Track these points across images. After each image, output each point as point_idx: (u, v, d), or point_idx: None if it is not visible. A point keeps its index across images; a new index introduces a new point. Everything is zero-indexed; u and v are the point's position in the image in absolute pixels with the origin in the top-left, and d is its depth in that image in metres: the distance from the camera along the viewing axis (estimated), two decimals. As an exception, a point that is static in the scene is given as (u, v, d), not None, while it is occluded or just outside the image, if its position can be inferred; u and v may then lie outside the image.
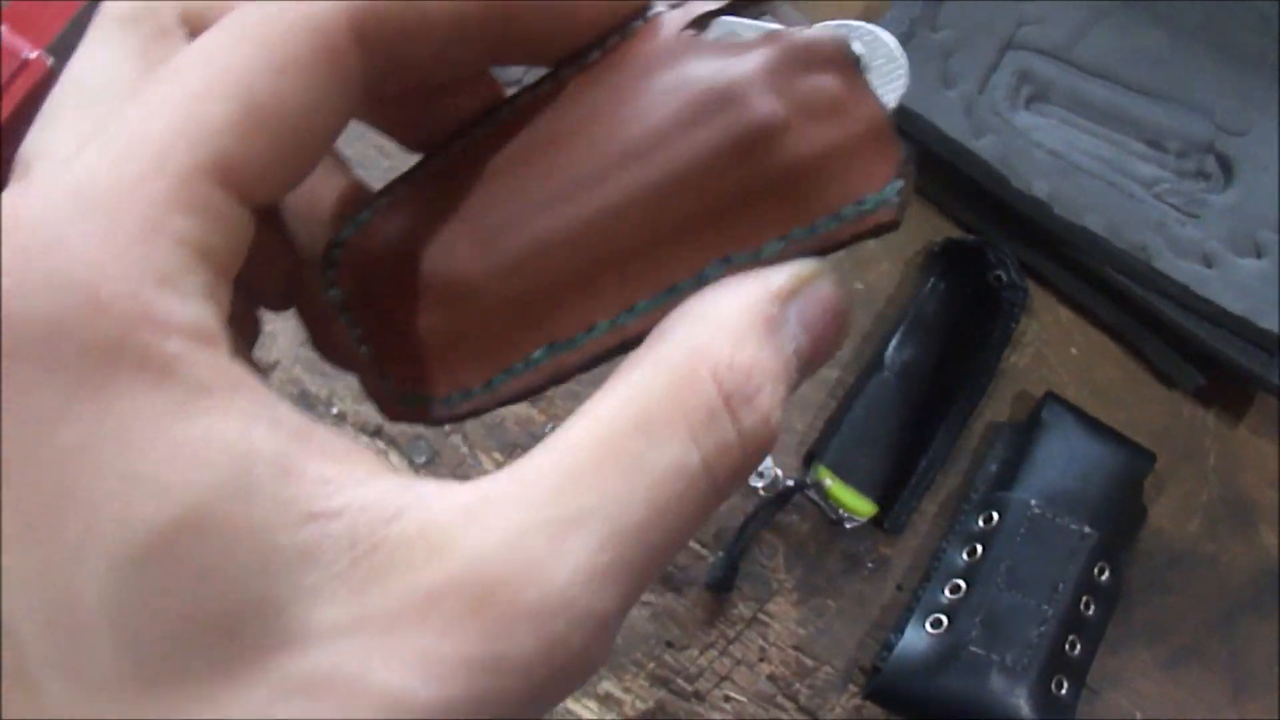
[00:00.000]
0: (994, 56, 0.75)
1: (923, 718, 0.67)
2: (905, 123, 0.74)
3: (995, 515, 0.69)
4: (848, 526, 0.71)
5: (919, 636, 0.67)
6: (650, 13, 0.31)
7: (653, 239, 0.30)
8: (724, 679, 0.70)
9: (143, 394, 0.23)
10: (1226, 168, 0.74)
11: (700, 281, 0.30)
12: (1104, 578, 0.68)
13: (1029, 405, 0.75)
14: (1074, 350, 0.77)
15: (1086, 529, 0.68)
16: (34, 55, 0.62)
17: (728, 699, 0.70)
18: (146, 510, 0.23)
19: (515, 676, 0.24)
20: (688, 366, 0.27)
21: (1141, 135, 0.74)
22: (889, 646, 0.68)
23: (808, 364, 0.28)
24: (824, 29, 0.30)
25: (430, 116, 0.33)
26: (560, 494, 0.25)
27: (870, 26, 0.30)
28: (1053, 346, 0.77)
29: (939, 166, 0.75)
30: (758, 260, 0.29)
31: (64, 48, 0.64)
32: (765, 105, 0.29)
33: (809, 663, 0.70)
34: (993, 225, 0.76)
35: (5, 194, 0.26)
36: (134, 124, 0.25)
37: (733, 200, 0.29)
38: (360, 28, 0.27)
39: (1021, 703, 0.65)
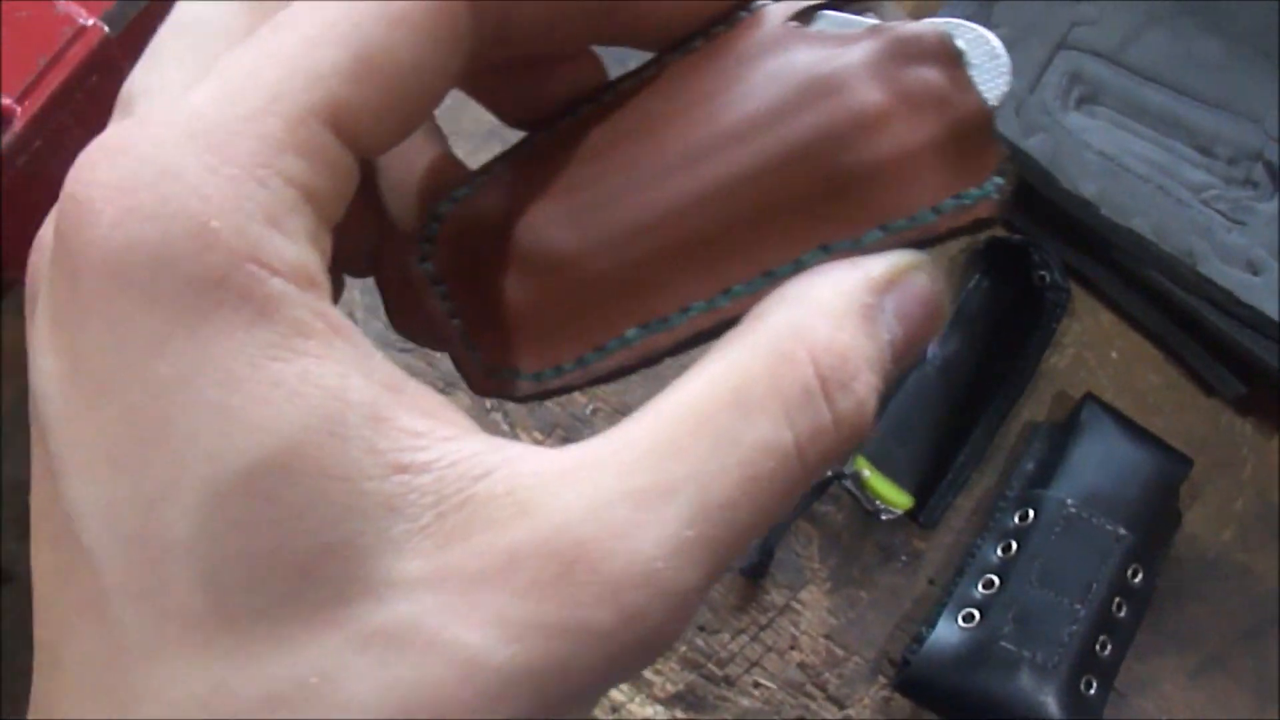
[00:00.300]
0: (1046, 56, 0.75)
1: (951, 712, 0.68)
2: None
3: (1031, 513, 0.69)
4: (883, 518, 0.71)
5: (950, 630, 0.67)
6: (755, 4, 0.31)
7: (753, 222, 0.30)
8: (754, 665, 0.70)
9: (243, 330, 0.23)
10: (1274, 176, 0.74)
11: (798, 267, 0.29)
12: (1137, 580, 0.68)
13: (1068, 406, 0.75)
14: (1114, 354, 0.77)
15: (1122, 530, 0.68)
16: (90, 23, 0.62)
17: (757, 685, 0.70)
18: (239, 446, 0.23)
19: (592, 645, 0.24)
20: (785, 347, 0.27)
21: (1192, 141, 0.74)
22: (919, 639, 0.68)
23: (900, 356, 0.28)
24: (927, 22, 0.30)
25: (530, 92, 0.32)
26: (651, 463, 0.25)
27: (973, 25, 0.30)
28: (1093, 349, 0.77)
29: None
30: (857, 249, 0.29)
31: (120, 16, 0.64)
32: (869, 94, 0.29)
33: (839, 652, 0.71)
34: (1038, 225, 0.76)
35: (112, 126, 0.26)
36: (247, 65, 0.25)
37: (834, 188, 0.29)
38: None
39: (1050, 700, 0.65)
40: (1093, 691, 0.66)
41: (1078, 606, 0.67)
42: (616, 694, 0.68)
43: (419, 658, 0.23)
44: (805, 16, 0.31)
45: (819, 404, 0.26)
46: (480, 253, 0.32)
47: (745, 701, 0.69)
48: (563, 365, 0.32)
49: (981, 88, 0.29)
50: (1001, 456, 0.75)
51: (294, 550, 0.23)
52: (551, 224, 0.31)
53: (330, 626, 0.23)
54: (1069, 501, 0.69)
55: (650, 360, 0.31)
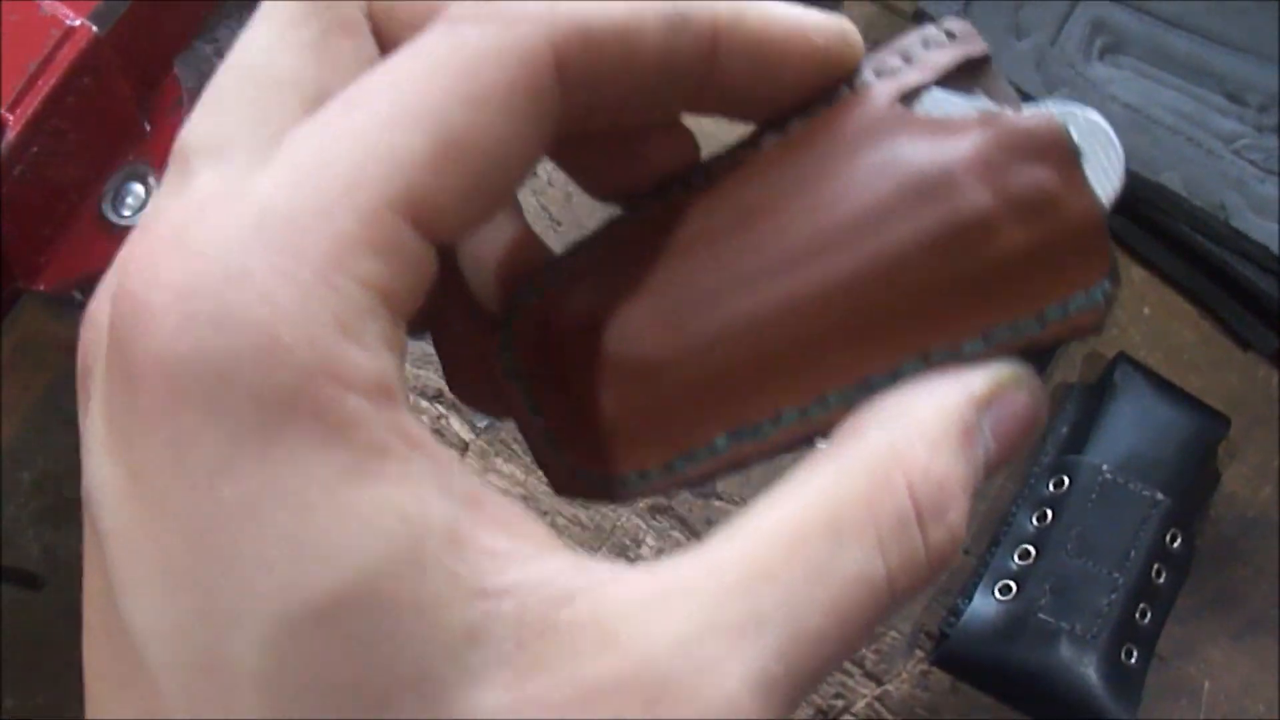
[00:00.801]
0: (1067, 6, 0.73)
1: (990, 685, 0.66)
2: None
3: (1066, 480, 0.68)
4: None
5: (987, 603, 0.66)
6: (858, 80, 0.30)
7: (850, 329, 0.29)
8: (786, 643, 0.69)
9: (315, 452, 0.22)
10: (1308, 123, 0.72)
11: (895, 378, 0.28)
12: (1176, 545, 0.67)
13: (1100, 366, 0.73)
14: (1147, 310, 0.75)
15: (1159, 495, 0.66)
16: (78, 23, 0.61)
17: (790, 664, 0.69)
18: (311, 578, 0.22)
19: None
20: (883, 471, 0.26)
21: (1221, 88, 0.72)
22: (956, 612, 0.67)
23: (992, 472, 0.28)
24: (1042, 113, 0.29)
25: (619, 163, 0.31)
26: (741, 592, 0.24)
27: (1088, 111, 0.29)
28: (1125, 306, 0.75)
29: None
30: (957, 359, 0.28)
31: (108, 14, 0.62)
32: (978, 197, 0.28)
33: (876, 628, 0.69)
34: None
35: (168, 197, 0.25)
36: (319, 149, 0.24)
37: (935, 294, 0.28)
38: (563, 60, 0.25)
39: (1091, 671, 0.64)
40: (1134, 660, 0.65)
41: (1116, 575, 0.65)
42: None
43: None
44: (911, 97, 0.30)
45: (913, 533, 0.25)
46: (566, 352, 0.31)
47: (780, 681, 0.68)
48: (649, 471, 0.30)
49: (1096, 188, 0.29)
50: (1034, 420, 0.73)
51: (370, 683, 0.22)
52: (642, 328, 0.30)
53: None
54: (1104, 467, 0.67)
55: (739, 468, 0.30)
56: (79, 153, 0.69)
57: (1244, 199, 0.70)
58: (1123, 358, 0.71)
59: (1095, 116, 0.29)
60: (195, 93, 0.72)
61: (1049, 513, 0.67)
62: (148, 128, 0.73)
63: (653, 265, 0.30)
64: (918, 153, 0.29)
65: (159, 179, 0.72)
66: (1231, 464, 0.73)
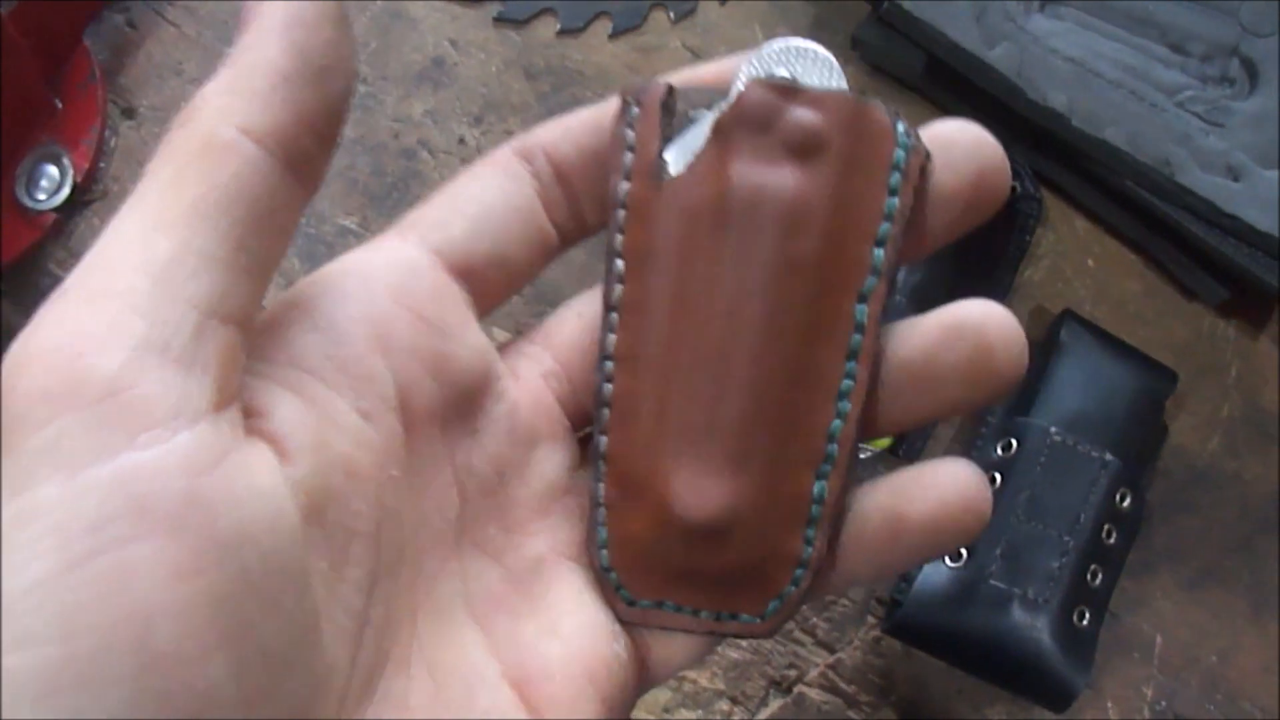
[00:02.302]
0: (1006, -44, 0.71)
1: (943, 651, 0.66)
2: (914, 34, 0.70)
3: (1014, 443, 0.67)
4: (862, 456, 0.69)
5: (938, 570, 0.65)
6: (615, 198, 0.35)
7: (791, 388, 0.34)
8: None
9: None
10: (1252, 72, 0.70)
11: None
12: (1125, 504, 0.66)
13: (1046, 321, 0.72)
14: (1091, 262, 0.74)
15: (1108, 456, 0.66)
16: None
17: (743, 635, 0.68)
18: None
19: None
20: None
21: (1164, 39, 0.70)
22: (907, 579, 0.66)
23: None
24: (743, 82, 0.34)
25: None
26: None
27: (790, 41, 0.34)
28: (1069, 259, 0.74)
29: (949, 78, 0.71)
30: (880, 275, 0.34)
31: None
32: (771, 192, 0.33)
33: (826, 596, 0.69)
34: (1006, 134, 0.72)
35: None
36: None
37: (817, 273, 0.33)
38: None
39: (1043, 635, 0.64)
40: (1086, 622, 0.65)
41: (1066, 538, 0.65)
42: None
43: None
44: (655, 176, 0.35)
45: None
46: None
47: (733, 653, 0.68)
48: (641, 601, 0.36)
49: (825, 82, 0.34)
50: (980, 378, 0.72)
51: None
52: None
53: None
54: (1053, 429, 0.66)
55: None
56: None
57: (1189, 153, 0.68)
58: (1069, 315, 0.70)
59: (799, 43, 0.34)
60: (107, 66, 0.70)
61: (998, 477, 0.67)
62: (59, 105, 0.70)
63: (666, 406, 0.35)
64: (705, 209, 0.33)
65: (72, 159, 0.69)
66: (1179, 415, 0.73)
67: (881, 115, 0.33)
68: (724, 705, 0.67)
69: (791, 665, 0.68)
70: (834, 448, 0.34)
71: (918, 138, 0.33)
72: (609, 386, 0.35)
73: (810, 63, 0.34)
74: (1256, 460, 0.73)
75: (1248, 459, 0.73)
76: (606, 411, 0.35)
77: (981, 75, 0.69)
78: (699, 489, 0.34)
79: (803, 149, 0.33)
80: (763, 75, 0.34)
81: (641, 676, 0.37)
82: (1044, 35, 0.69)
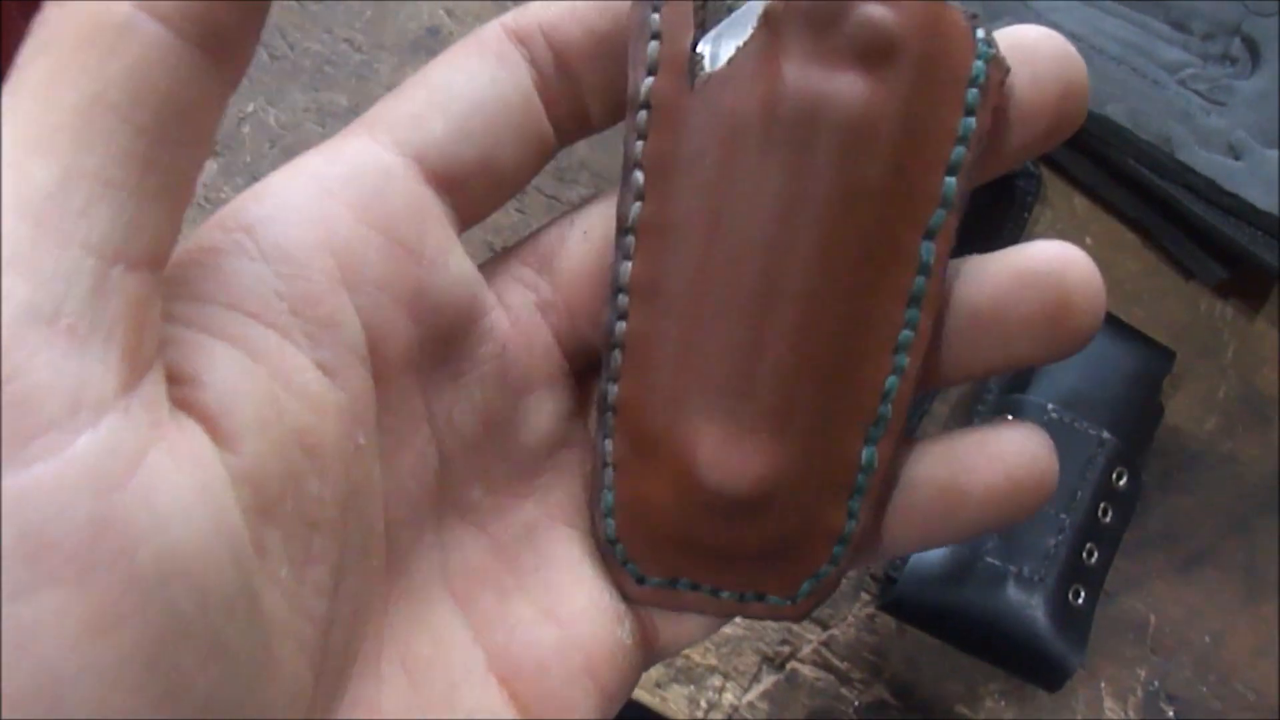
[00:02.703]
0: (1008, -69, 0.70)
1: (937, 629, 0.66)
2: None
3: (1010, 420, 0.67)
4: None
5: (933, 548, 0.65)
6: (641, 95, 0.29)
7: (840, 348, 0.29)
8: (732, 591, 0.68)
9: None
10: (1254, 51, 0.70)
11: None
12: (1122, 483, 0.66)
13: (1042, 300, 0.72)
14: (1089, 240, 0.74)
15: (1105, 434, 0.66)
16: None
17: (736, 611, 0.68)
18: None
19: None
20: None
21: (1166, 16, 0.70)
22: (902, 556, 0.66)
23: None
24: None
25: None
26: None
27: None
28: (1068, 237, 0.73)
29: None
30: (951, 207, 0.29)
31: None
32: (835, 96, 0.28)
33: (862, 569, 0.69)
34: (1005, 110, 0.72)
35: None
36: None
37: (885, 202, 0.29)
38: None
39: (1038, 614, 0.63)
40: (1081, 601, 0.65)
41: (1063, 516, 0.64)
42: (593, 632, 0.66)
43: None
44: (691, 75, 0.29)
45: None
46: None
47: (726, 629, 0.67)
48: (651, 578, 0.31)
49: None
50: (977, 356, 0.72)
51: None
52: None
53: None
54: (1050, 407, 0.66)
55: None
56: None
57: (1190, 131, 0.68)
58: (1066, 292, 0.70)
59: None
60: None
61: (994, 454, 0.66)
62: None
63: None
64: (749, 117, 0.28)
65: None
66: (1175, 395, 0.72)
67: (960, 19, 0.28)
68: (716, 680, 0.67)
69: (784, 641, 0.68)
70: (887, 408, 0.29)
71: (998, 48, 0.28)
72: (622, 325, 0.30)
73: None
74: (1253, 441, 0.72)
75: (1244, 440, 0.72)
76: (619, 354, 0.30)
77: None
78: (731, 455, 0.29)
79: (871, 53, 0.27)
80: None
81: (646, 660, 0.32)
82: (1046, 11, 0.69)
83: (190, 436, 0.22)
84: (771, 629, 0.67)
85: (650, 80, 0.29)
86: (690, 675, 0.67)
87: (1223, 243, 0.70)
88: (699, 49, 0.29)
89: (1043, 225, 0.73)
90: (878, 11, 0.27)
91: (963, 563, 0.64)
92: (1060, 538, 0.64)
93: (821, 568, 0.31)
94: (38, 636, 0.19)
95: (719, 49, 0.28)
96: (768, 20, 0.28)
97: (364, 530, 0.27)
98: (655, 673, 0.66)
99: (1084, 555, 0.65)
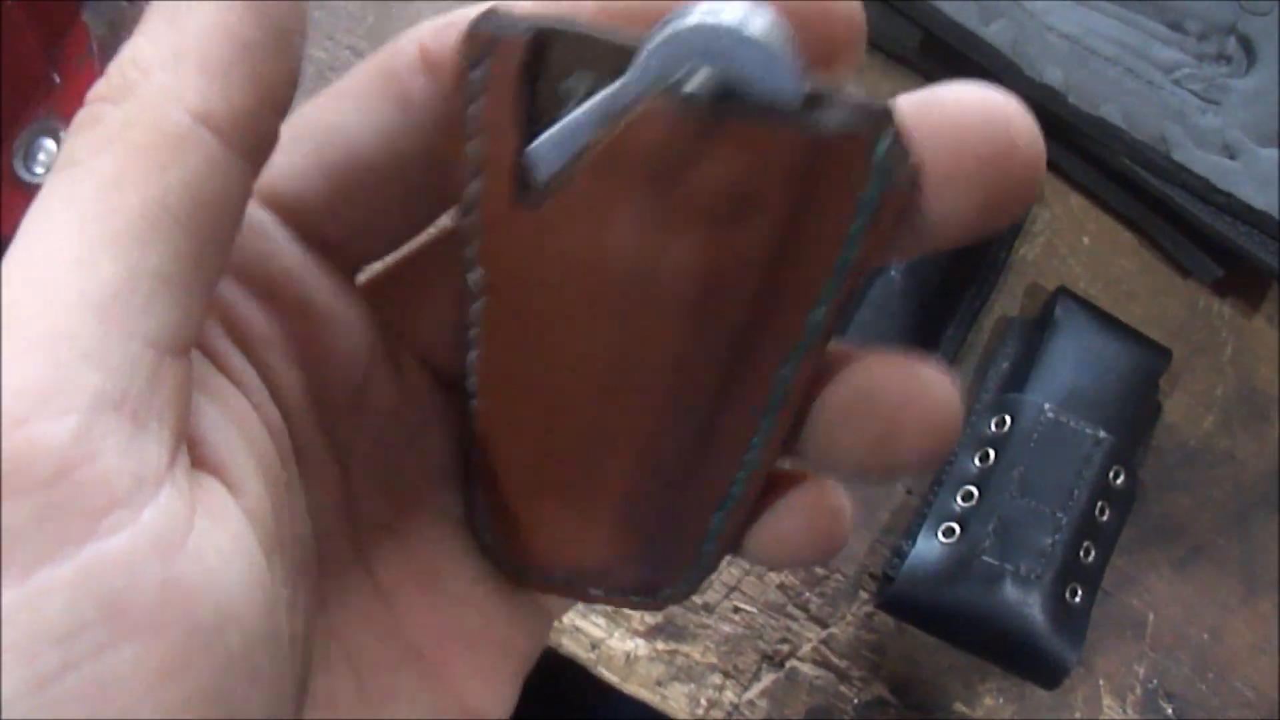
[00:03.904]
0: (1003, -68, 0.71)
1: (935, 627, 0.66)
2: (909, 10, 0.70)
3: (1008, 419, 0.67)
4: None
5: (931, 546, 0.66)
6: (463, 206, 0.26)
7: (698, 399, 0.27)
8: (733, 589, 0.69)
9: None
10: (1248, 50, 0.70)
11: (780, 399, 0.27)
12: (1119, 482, 0.66)
13: (1041, 299, 0.72)
14: (1086, 240, 0.74)
15: (1101, 433, 0.66)
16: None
17: (737, 610, 0.68)
18: None
19: None
20: None
21: (1161, 17, 0.70)
22: (900, 554, 0.67)
23: None
24: (650, 60, 0.23)
25: None
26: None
27: (714, 8, 0.22)
28: (1064, 236, 0.74)
29: (945, 52, 0.71)
30: (816, 335, 0.26)
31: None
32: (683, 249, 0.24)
33: (819, 571, 0.69)
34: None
35: None
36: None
37: (755, 298, 0.25)
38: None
39: (1035, 612, 0.64)
40: (1078, 599, 0.65)
41: (1059, 515, 0.65)
42: (594, 630, 0.67)
43: None
44: (522, 187, 0.25)
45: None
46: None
47: (726, 627, 0.68)
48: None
49: (775, 97, 0.23)
50: (975, 356, 0.72)
51: None
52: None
53: None
54: (1046, 406, 0.67)
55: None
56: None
57: (1185, 131, 0.69)
58: (1063, 291, 0.70)
59: (732, 9, 0.22)
60: (105, 40, 0.70)
61: (991, 453, 0.67)
62: (57, 79, 0.70)
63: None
64: (578, 264, 0.25)
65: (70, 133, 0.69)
66: (1173, 394, 0.73)
67: (853, 142, 0.23)
68: (716, 679, 0.67)
69: (784, 640, 0.68)
70: (737, 489, 0.29)
71: (905, 152, 0.23)
72: (473, 403, 0.29)
73: (747, 48, 0.22)
74: (1250, 439, 0.73)
75: (1241, 438, 0.73)
76: (475, 426, 0.29)
77: (977, 51, 0.69)
78: (581, 542, 0.30)
79: (720, 212, 0.24)
80: (674, 63, 0.23)
81: (544, 618, 0.34)
82: (1040, 12, 0.69)
83: (213, 493, 0.24)
84: (771, 628, 0.68)
85: (475, 184, 0.25)
86: (690, 673, 0.67)
87: (1219, 241, 0.70)
88: (529, 153, 0.24)
89: (1039, 225, 0.74)
90: (728, 168, 0.23)
91: (960, 561, 0.65)
92: (1057, 536, 0.65)
93: (676, 585, 0.32)
94: (118, 686, 0.21)
95: (551, 154, 0.24)
96: (602, 162, 0.23)
97: (303, 546, 0.28)
98: (656, 671, 0.67)
99: (1081, 554, 0.65)
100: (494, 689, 0.32)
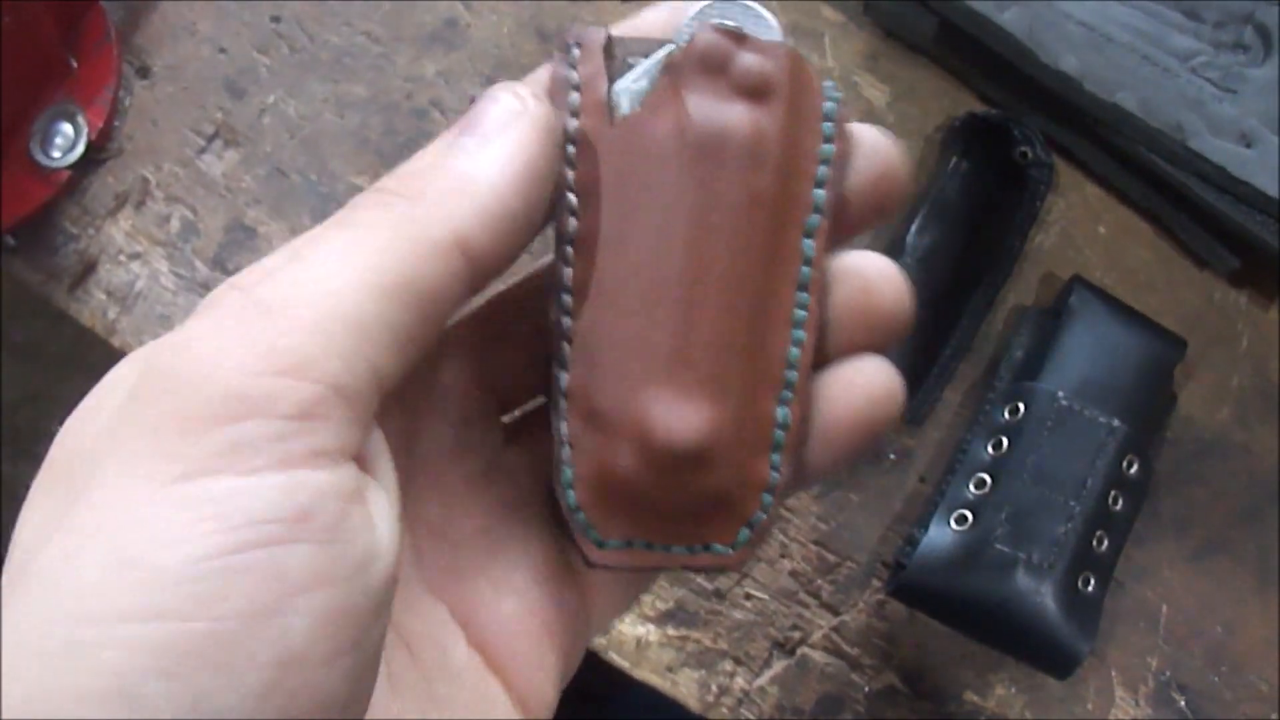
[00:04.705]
0: (1021, -80, 0.71)
1: (947, 615, 0.66)
2: (927, -4, 0.70)
3: (1021, 407, 0.67)
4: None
5: (943, 534, 0.65)
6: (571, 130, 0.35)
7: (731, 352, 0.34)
8: (745, 576, 0.69)
9: None
10: (1265, 39, 0.70)
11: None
12: (1132, 471, 0.66)
13: (1056, 288, 0.72)
14: (1102, 229, 0.74)
15: (1115, 422, 0.66)
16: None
17: (749, 597, 0.68)
18: None
19: None
20: None
21: (1178, 4, 0.70)
22: (912, 542, 0.66)
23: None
24: (694, 27, 0.35)
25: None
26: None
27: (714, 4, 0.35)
28: (1080, 226, 0.74)
29: (961, 40, 0.71)
30: (821, 214, 0.35)
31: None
32: (725, 126, 0.34)
33: (831, 558, 0.69)
34: (1018, 99, 0.72)
35: None
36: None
37: (772, 227, 0.34)
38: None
39: (1048, 600, 0.63)
40: (1091, 588, 0.65)
41: (1072, 503, 0.65)
42: (605, 616, 0.67)
43: None
44: (610, 112, 0.35)
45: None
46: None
47: (738, 614, 0.68)
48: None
49: (766, 36, 0.35)
50: (989, 345, 0.72)
51: None
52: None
53: None
54: (1060, 394, 0.66)
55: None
56: (4, 94, 0.67)
57: (1201, 119, 0.68)
58: (1078, 280, 0.70)
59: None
60: (122, 25, 0.70)
61: (1005, 441, 0.66)
62: (74, 65, 0.70)
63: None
64: (662, 144, 0.34)
65: (86, 117, 0.70)
66: (1188, 385, 0.72)
67: (811, 68, 0.35)
68: (728, 665, 0.67)
69: (795, 627, 0.68)
70: (793, 374, 0.35)
71: (839, 94, 0.36)
72: (567, 320, 0.35)
73: (751, 17, 0.35)
74: (1266, 431, 0.72)
75: (1257, 430, 0.72)
76: (566, 346, 0.35)
77: (993, 39, 0.69)
78: (680, 414, 0.33)
79: (755, 90, 0.34)
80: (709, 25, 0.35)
81: (588, 627, 0.38)
82: None
83: (373, 486, 0.30)
84: (782, 615, 0.68)
85: (575, 121, 0.34)
86: (701, 660, 0.67)
87: (1235, 231, 0.70)
88: (612, 93, 0.35)
89: (1055, 214, 0.74)
90: (756, 59, 0.34)
91: (972, 549, 0.64)
92: (1070, 525, 0.64)
93: (754, 515, 0.35)
94: (287, 575, 0.26)
95: (628, 94, 0.35)
96: (670, 67, 0.34)
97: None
98: (667, 657, 0.67)
99: (1094, 543, 0.65)
100: (548, 681, 0.37)
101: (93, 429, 0.29)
